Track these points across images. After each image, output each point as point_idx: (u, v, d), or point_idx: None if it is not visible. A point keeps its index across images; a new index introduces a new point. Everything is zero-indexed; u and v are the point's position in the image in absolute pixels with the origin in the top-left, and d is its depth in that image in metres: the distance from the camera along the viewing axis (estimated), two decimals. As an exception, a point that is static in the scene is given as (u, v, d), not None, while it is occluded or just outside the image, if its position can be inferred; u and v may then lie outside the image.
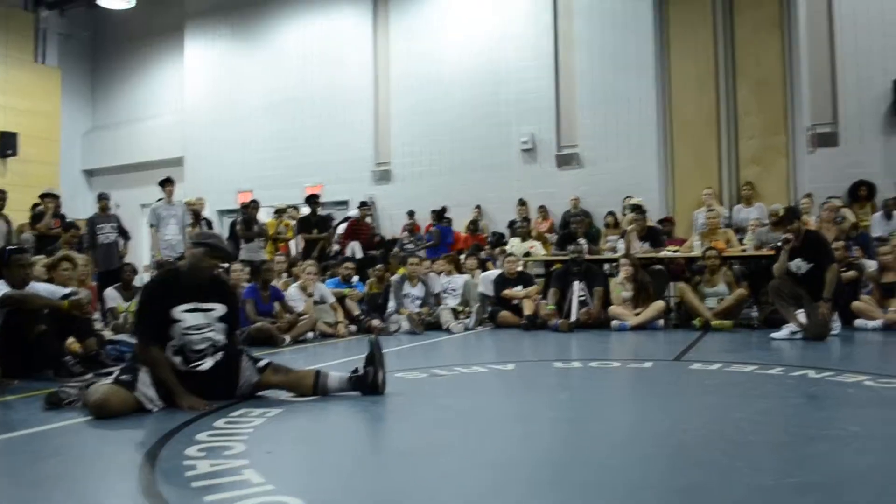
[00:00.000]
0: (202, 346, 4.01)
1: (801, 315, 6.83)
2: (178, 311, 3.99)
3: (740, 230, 10.47)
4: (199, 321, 4.03)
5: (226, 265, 7.51)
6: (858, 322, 7.44)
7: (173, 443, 3.11)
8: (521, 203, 13.50)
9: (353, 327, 8.53)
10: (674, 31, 13.10)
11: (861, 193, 12.17)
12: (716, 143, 12.03)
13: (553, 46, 14.37)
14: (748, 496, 2.32)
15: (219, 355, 4.06)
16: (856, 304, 7.53)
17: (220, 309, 4.13)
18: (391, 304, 8.98)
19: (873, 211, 11.52)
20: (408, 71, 15.34)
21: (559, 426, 3.54)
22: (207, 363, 4.01)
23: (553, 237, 12.14)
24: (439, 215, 13.52)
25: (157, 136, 18.15)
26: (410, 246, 12.40)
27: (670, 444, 3.07)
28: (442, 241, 12.67)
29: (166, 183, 10.60)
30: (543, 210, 13.55)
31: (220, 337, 4.09)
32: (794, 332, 6.76)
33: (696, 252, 8.79)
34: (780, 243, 7.11)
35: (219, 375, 4.02)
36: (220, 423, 3.48)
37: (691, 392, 4.40)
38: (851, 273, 7.86)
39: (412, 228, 13.75)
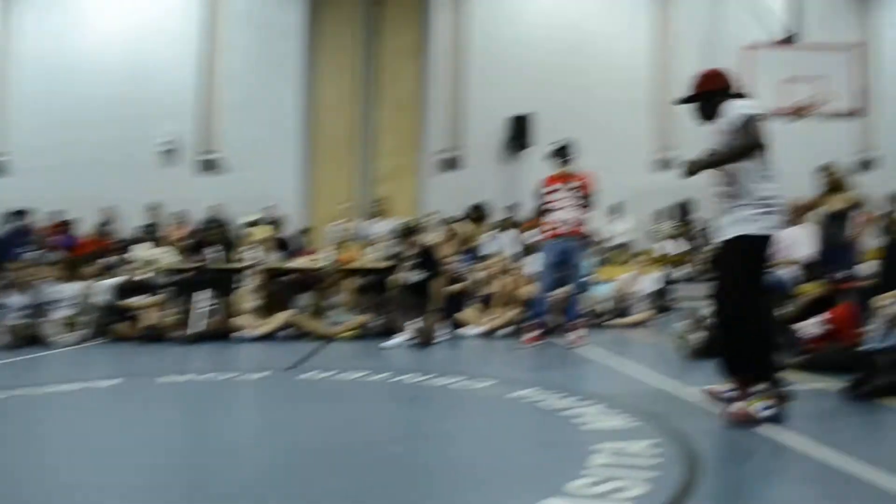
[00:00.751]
0: None
1: (414, 324, 7.31)
2: None
3: (372, 243, 10.98)
4: None
5: None
6: (463, 330, 8.17)
7: None
8: (153, 207, 12.73)
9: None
10: (321, 47, 13.40)
11: (477, 214, 13.50)
12: (354, 159, 12.48)
13: (202, 47, 13.86)
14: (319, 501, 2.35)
15: None
16: (461, 313, 8.27)
17: None
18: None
19: (486, 230, 12.82)
20: (38, 53, 13.69)
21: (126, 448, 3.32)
22: None
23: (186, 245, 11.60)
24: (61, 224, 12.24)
25: None
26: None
27: (251, 454, 3.03)
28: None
29: None
30: (179, 215, 12.92)
31: None
32: (407, 340, 7.21)
33: (327, 264, 9.00)
34: (400, 256, 7.56)
35: None
36: None
37: (291, 402, 4.43)
38: (458, 285, 8.62)
39: (24, 230, 12.22)
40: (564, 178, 7.10)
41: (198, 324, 7.89)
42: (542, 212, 7.25)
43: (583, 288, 7.12)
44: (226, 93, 13.95)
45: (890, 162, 14.78)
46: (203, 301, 8.03)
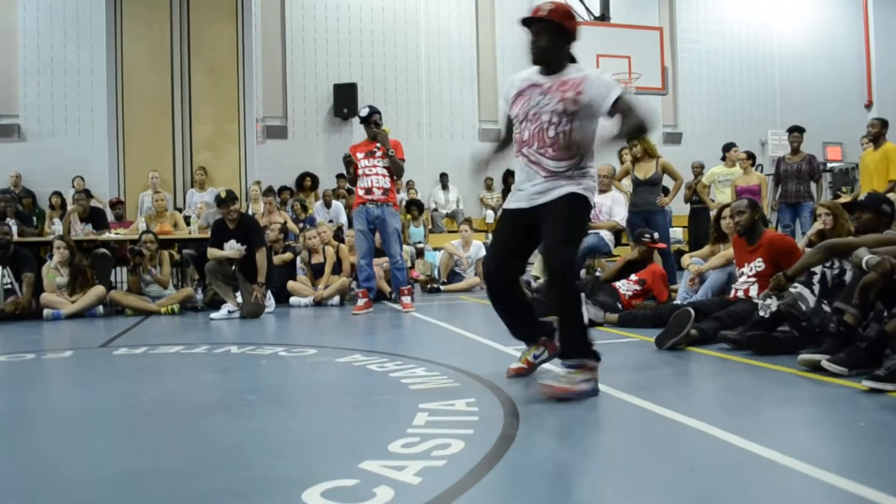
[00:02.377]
0: None
1: (238, 295, 7.06)
2: None
3: (193, 214, 10.47)
4: None
5: None
6: (293, 300, 8.00)
7: None
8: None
9: None
10: (128, 4, 12.46)
11: (306, 184, 13.25)
12: (170, 125, 11.78)
13: (-5, -1, 12.58)
14: (120, 481, 2.17)
15: None
16: (291, 283, 8.08)
17: None
18: None
19: (316, 199, 12.61)
20: None
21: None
22: None
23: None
24: None
25: None
26: None
27: (57, 435, 2.78)
28: None
29: None
30: (-28, 186, 11.74)
31: None
32: (231, 312, 6.95)
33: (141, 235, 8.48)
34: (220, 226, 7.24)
35: None
36: None
37: (104, 379, 4.11)
38: (287, 255, 8.42)
39: None
40: (374, 144, 7.07)
41: (-3, 302, 7.20)
42: (353, 179, 7.20)
43: (399, 255, 7.12)
44: (23, 52, 12.76)
45: (689, 137, 16.03)
46: (2, 278, 7.34)
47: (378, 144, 6.99)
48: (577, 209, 3.28)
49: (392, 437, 2.50)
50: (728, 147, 10.11)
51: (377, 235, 7.30)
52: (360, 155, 7.05)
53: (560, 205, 3.25)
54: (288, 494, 2.02)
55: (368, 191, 6.98)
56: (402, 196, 12.52)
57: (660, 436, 2.59)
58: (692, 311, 4.32)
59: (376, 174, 6.97)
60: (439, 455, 2.31)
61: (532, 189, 3.34)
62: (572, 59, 3.37)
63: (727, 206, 5.94)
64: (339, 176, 13.29)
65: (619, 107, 3.20)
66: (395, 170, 7.04)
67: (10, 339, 6.11)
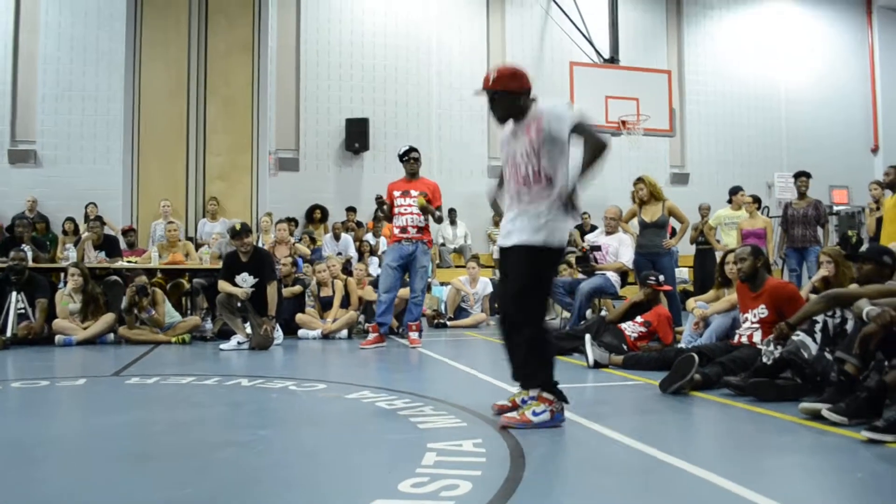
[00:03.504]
0: None
1: (248, 327, 7.16)
2: None
3: (204, 243, 10.60)
4: None
5: None
6: (301, 332, 8.08)
7: None
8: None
9: None
10: (147, 36, 12.69)
11: (316, 216, 13.41)
12: (184, 155, 11.97)
13: (13, 27, 12.84)
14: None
15: None
16: (300, 315, 8.17)
17: None
18: None
19: (325, 232, 12.74)
20: None
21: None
22: None
23: None
24: None
25: None
26: None
27: (72, 463, 2.86)
28: None
29: None
30: (-11, 211, 11.94)
31: None
32: (240, 343, 7.04)
33: (155, 263, 8.62)
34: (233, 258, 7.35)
35: None
36: None
37: (118, 408, 4.19)
38: (297, 288, 8.52)
39: None
40: (412, 183, 7.23)
41: (10, 327, 7.30)
42: (388, 216, 7.34)
43: (422, 292, 7.26)
44: (42, 79, 13.03)
45: (696, 178, 16.16)
46: (15, 303, 7.45)
47: (415, 192, 7.14)
48: (530, 262, 3.50)
49: (402, 477, 2.58)
50: (735, 190, 10.24)
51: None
52: (396, 193, 7.19)
53: (516, 255, 3.54)
54: (302, 531, 2.09)
55: (403, 230, 7.13)
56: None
57: (662, 482, 2.66)
58: (696, 357, 4.38)
59: (411, 213, 7.12)
60: (448, 496, 2.38)
61: (504, 227, 3.66)
62: (532, 100, 3.60)
63: (732, 251, 6.04)
64: (349, 209, 13.46)
65: (578, 131, 3.47)
66: (437, 221, 7.26)
67: (23, 364, 6.21)
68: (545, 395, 3.45)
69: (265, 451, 3.04)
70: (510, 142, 3.63)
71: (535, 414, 3.40)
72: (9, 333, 7.27)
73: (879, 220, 8.14)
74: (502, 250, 3.65)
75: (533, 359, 3.51)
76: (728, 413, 3.93)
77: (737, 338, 5.07)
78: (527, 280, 3.49)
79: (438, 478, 2.57)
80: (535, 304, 3.53)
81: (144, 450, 3.11)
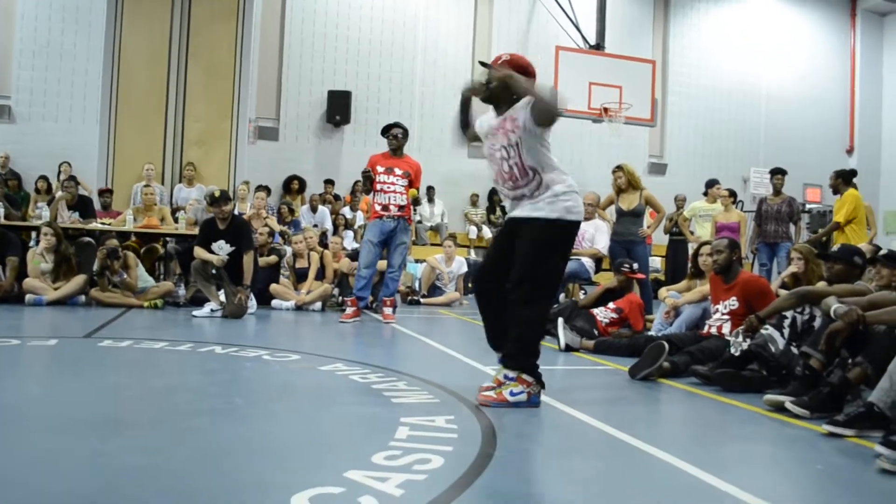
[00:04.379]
0: None
1: (222, 294, 7.14)
2: None
3: (180, 209, 10.52)
4: None
5: None
6: (275, 302, 8.08)
7: None
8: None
9: None
10: (130, -3, 12.52)
11: (293, 187, 13.33)
12: (163, 119, 11.83)
13: (-13, -21, 12.54)
14: (112, 477, 2.27)
15: None
16: (274, 286, 8.16)
17: None
18: None
19: (303, 203, 12.70)
20: None
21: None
22: None
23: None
24: None
25: None
26: None
27: (46, 425, 2.86)
28: None
29: None
30: (-41, 165, 11.72)
31: None
32: (213, 311, 7.03)
33: (129, 226, 8.55)
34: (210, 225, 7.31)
35: None
36: None
37: (91, 371, 4.19)
38: (272, 258, 8.50)
39: None
40: (394, 160, 7.18)
41: (-22, 285, 7.22)
42: (368, 190, 7.31)
43: (399, 268, 7.27)
44: (19, 34, 12.76)
45: (673, 169, 16.30)
46: (-15, 260, 7.36)
47: (396, 165, 7.13)
48: (542, 241, 3.50)
49: (375, 449, 2.62)
50: (711, 183, 10.35)
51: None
52: (379, 168, 7.12)
53: (527, 235, 3.52)
54: (277, 499, 2.12)
55: (385, 207, 7.09)
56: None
57: (630, 465, 2.72)
58: (666, 345, 4.47)
59: (394, 192, 7.08)
60: (420, 469, 2.42)
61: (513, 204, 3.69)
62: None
63: (706, 243, 6.13)
64: (327, 182, 13.40)
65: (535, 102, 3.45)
66: (415, 204, 7.30)
67: (-5, 322, 6.17)
68: (525, 377, 3.50)
69: (238, 420, 3.07)
70: (489, 136, 3.68)
71: (512, 394, 3.46)
72: (-23, 290, 7.18)
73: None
74: (514, 220, 3.63)
75: (526, 340, 3.54)
76: (695, 401, 4.02)
77: (706, 328, 5.16)
78: (537, 263, 3.48)
79: (411, 451, 2.61)
80: (549, 283, 3.56)
81: (117, 415, 3.12)
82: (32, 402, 3.31)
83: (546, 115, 3.43)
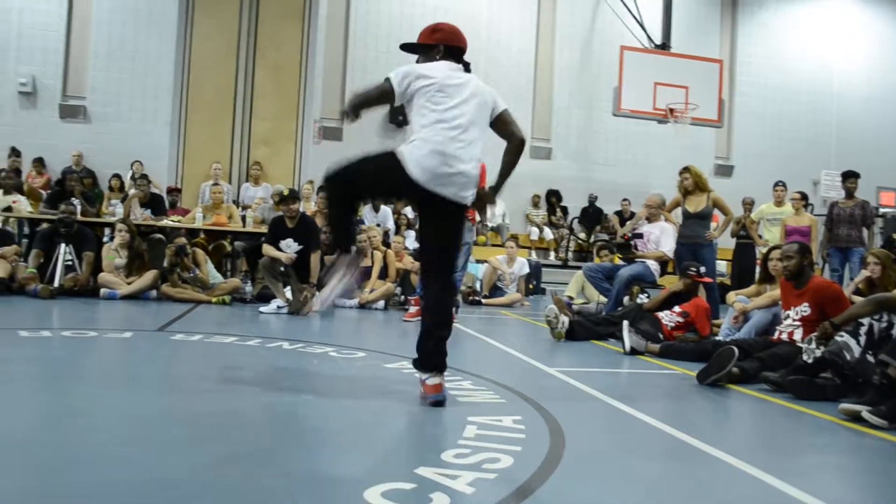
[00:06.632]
0: None
1: (288, 292, 7.27)
2: None
3: (246, 207, 10.75)
4: None
5: None
6: (339, 301, 8.17)
7: None
8: (16, 153, 11.93)
9: None
10: (200, 1, 12.86)
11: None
12: (230, 119, 12.11)
13: (69, -14, 13.02)
14: (193, 472, 2.34)
15: None
16: (338, 284, 8.25)
17: None
18: None
19: (365, 203, 12.81)
20: None
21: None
22: None
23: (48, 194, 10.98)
24: None
25: None
26: None
27: (124, 416, 2.97)
28: None
29: None
30: (39, 163, 12.19)
31: None
32: (280, 307, 7.16)
33: (199, 224, 8.78)
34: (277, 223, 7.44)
35: None
36: None
37: (166, 363, 4.33)
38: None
39: None
40: None
41: (58, 278, 7.50)
42: None
43: (463, 268, 7.30)
44: (96, 37, 13.19)
45: (740, 171, 15.94)
46: (63, 254, 7.64)
47: None
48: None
49: (444, 447, 2.64)
50: (778, 185, 10.09)
51: None
52: None
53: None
54: (349, 493, 2.16)
55: None
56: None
57: (699, 469, 2.69)
58: (736, 350, 4.38)
59: None
60: (490, 468, 2.43)
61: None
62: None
63: (777, 247, 5.99)
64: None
65: None
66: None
67: (70, 314, 6.42)
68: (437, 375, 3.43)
69: (309, 414, 3.13)
70: None
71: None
72: (56, 284, 7.46)
73: None
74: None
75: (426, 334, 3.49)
76: (765, 408, 3.94)
77: (777, 334, 5.04)
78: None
79: (480, 450, 2.63)
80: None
81: (194, 406, 3.21)
82: (112, 392, 3.43)
83: (369, 106, 3.59)
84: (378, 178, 3.51)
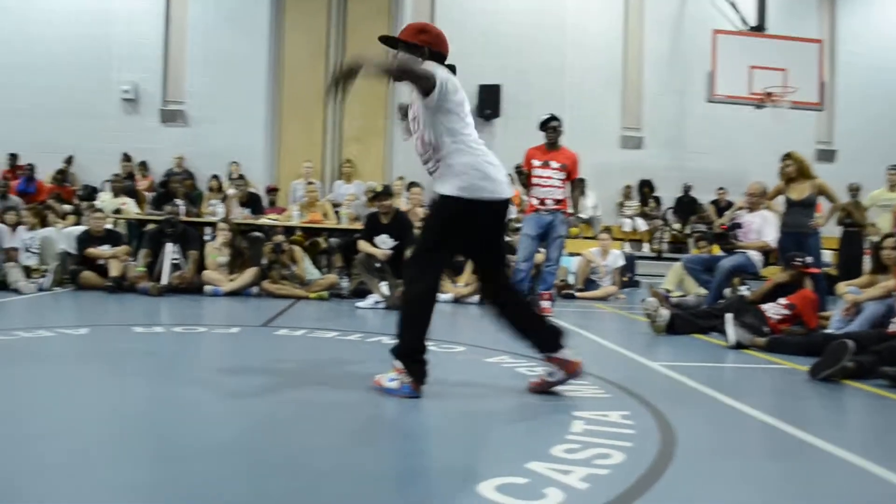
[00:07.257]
0: None
1: (385, 287, 7.38)
2: None
3: (338, 205, 10.96)
4: None
5: None
6: (432, 295, 8.24)
7: None
8: (127, 158, 12.54)
9: None
10: (291, 5, 13.16)
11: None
12: (322, 118, 12.35)
13: (165, -5, 13.54)
14: (303, 452, 2.41)
15: None
16: (431, 279, 8.33)
17: None
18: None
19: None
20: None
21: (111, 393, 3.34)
22: None
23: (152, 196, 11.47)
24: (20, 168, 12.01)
25: None
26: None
27: (232, 410, 3.08)
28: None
29: None
30: (143, 166, 12.75)
31: None
32: (377, 302, 7.27)
33: (295, 222, 9.00)
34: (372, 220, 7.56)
35: None
36: None
37: (274, 357, 4.46)
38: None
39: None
40: (551, 153, 7.14)
41: (165, 276, 7.83)
42: (525, 184, 7.31)
43: (557, 261, 7.25)
44: (192, 44, 13.66)
45: (844, 155, 15.22)
46: (170, 253, 7.97)
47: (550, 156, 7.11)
48: (433, 217, 3.51)
49: (553, 442, 2.63)
50: (890, 168, 9.62)
51: None
52: (536, 162, 7.12)
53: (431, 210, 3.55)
54: (464, 485, 2.18)
55: (542, 202, 7.08)
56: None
57: (815, 467, 2.60)
58: (850, 343, 4.20)
59: (550, 186, 7.06)
60: (602, 464, 2.41)
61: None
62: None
63: (890, 235, 5.72)
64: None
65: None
66: (573, 185, 7.28)
67: (179, 311, 6.70)
68: (398, 364, 3.34)
69: (417, 407, 3.17)
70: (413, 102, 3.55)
71: (389, 380, 3.35)
72: (164, 282, 7.79)
73: None
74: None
75: (400, 323, 3.42)
76: (885, 404, 3.76)
77: (892, 327, 4.81)
78: (425, 232, 3.50)
79: (589, 446, 2.61)
80: (423, 263, 3.49)
81: (304, 397, 3.30)
82: (226, 385, 3.55)
83: (410, 81, 3.35)
84: (470, 234, 3.44)
